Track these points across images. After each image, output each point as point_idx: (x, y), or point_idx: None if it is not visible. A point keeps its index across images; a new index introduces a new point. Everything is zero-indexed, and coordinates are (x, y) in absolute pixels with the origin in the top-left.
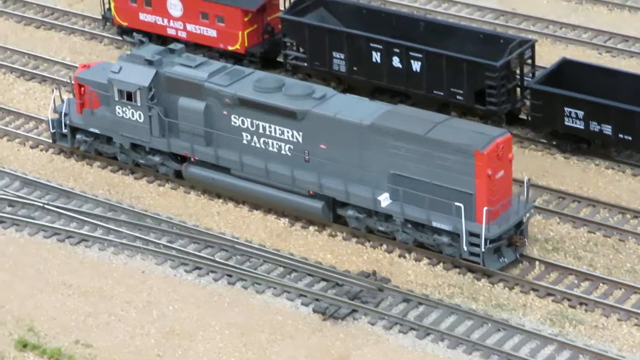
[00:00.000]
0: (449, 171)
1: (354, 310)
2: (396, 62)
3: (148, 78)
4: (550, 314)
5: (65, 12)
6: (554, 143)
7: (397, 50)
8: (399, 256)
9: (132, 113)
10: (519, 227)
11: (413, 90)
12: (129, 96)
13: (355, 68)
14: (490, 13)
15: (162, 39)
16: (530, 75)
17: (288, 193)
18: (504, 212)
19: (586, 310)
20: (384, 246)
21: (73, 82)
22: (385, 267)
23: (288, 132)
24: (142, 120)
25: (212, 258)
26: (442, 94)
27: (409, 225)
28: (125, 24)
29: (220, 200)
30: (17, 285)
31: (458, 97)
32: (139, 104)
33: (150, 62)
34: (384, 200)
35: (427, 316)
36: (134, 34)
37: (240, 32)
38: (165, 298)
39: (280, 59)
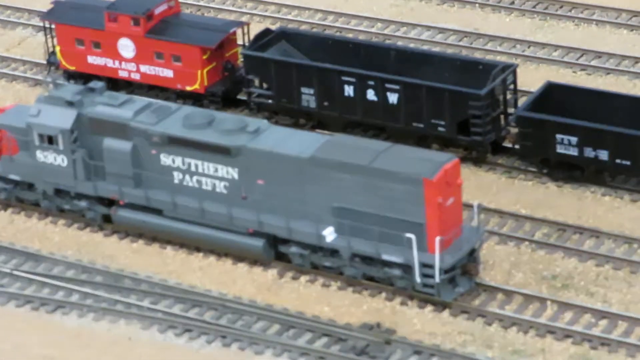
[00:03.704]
0: (397, 201)
1: None
2: (371, 95)
3: (69, 120)
4: (572, 358)
5: (4, 58)
6: (545, 172)
7: (372, 83)
8: (401, 304)
9: (55, 157)
10: (472, 255)
11: (390, 123)
12: (50, 140)
13: (326, 103)
14: (453, 35)
15: (113, 82)
16: (513, 101)
17: (226, 232)
18: (455, 240)
19: (610, 352)
20: (383, 294)
21: None
22: (388, 316)
23: (222, 169)
24: (65, 164)
25: (201, 319)
26: (422, 126)
27: (357, 260)
28: (72, 68)
29: (201, 254)
30: None
31: (440, 128)
32: (61, 148)
33: (70, 103)
34: (329, 234)
35: None
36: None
37: (199, 71)
38: None
39: (243, 96)
